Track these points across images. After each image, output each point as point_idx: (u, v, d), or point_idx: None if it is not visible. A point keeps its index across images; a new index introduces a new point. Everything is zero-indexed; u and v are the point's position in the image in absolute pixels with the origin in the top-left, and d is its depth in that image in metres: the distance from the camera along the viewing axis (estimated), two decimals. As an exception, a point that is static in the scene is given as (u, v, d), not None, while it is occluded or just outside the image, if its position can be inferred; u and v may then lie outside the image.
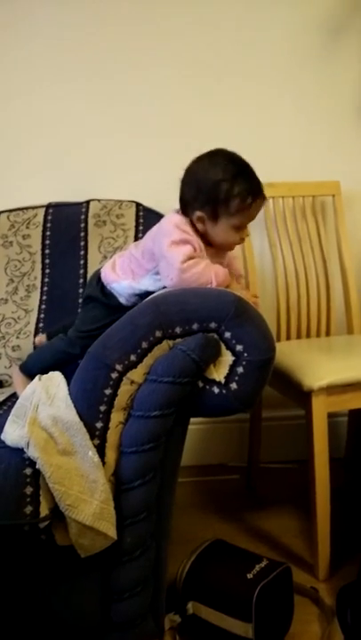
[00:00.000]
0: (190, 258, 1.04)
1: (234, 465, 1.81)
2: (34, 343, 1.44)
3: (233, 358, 0.91)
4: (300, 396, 1.22)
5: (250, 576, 1.03)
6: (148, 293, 1.12)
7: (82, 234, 1.54)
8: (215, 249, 1.14)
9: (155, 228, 1.14)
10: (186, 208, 1.12)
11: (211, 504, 1.60)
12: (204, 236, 1.11)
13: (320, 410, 1.19)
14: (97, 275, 1.24)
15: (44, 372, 1.04)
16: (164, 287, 1.09)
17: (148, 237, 1.15)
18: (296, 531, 1.43)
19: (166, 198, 1.64)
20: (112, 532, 0.88)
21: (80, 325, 1.23)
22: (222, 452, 1.83)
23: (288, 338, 1.60)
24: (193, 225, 1.11)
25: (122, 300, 1.19)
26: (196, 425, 1.79)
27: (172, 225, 1.09)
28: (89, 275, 1.49)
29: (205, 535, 1.21)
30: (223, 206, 1.07)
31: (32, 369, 1.22)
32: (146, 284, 1.14)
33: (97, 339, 0.94)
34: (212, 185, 1.06)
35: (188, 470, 1.76)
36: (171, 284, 1.05)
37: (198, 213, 1.09)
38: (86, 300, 1.27)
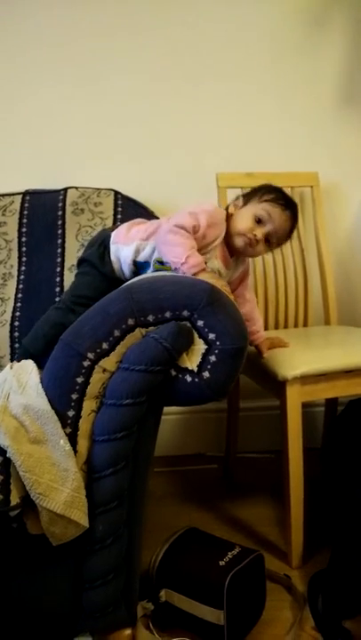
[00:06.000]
0: (185, 229, 1.09)
1: (212, 455, 1.82)
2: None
3: (205, 347, 0.90)
4: (275, 385, 1.23)
5: (222, 563, 1.04)
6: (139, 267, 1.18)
7: (59, 222, 1.53)
8: (234, 255, 1.22)
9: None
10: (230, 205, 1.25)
11: (188, 493, 1.61)
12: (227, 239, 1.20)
13: (294, 399, 1.20)
14: (101, 237, 1.25)
15: (50, 346, 1.04)
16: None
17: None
18: (272, 519, 1.44)
19: (145, 187, 1.65)
20: (84, 520, 0.88)
21: (75, 289, 1.25)
22: (200, 441, 1.84)
23: (266, 328, 1.61)
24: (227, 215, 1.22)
25: (116, 267, 1.21)
26: (174, 415, 1.80)
27: (209, 205, 1.17)
28: (66, 263, 1.48)
29: (182, 524, 1.22)
30: (258, 195, 1.20)
31: (33, 349, 1.22)
32: (150, 249, 1.17)
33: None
34: (267, 185, 1.23)
35: (167, 460, 1.76)
36: (157, 235, 1.13)
37: (237, 198, 1.23)
38: (82, 262, 1.27)
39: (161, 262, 1.15)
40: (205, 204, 1.18)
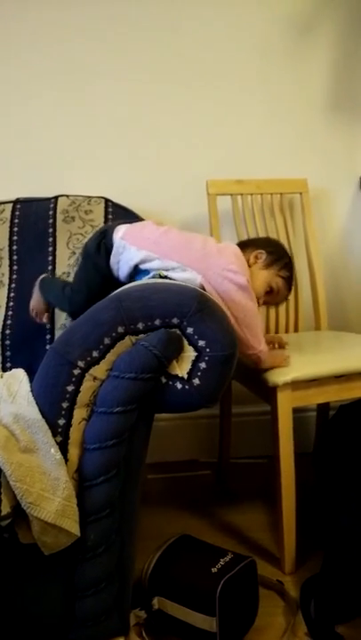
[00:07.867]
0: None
1: (205, 460, 1.82)
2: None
3: (195, 354, 0.91)
4: (265, 391, 1.23)
5: (214, 570, 1.04)
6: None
7: (50, 230, 1.53)
8: None
9: (213, 248, 1.17)
10: (248, 246, 1.30)
11: (182, 500, 1.61)
12: None
13: (285, 405, 1.21)
14: (104, 227, 1.26)
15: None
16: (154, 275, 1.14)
17: (202, 247, 1.16)
18: (265, 525, 1.44)
19: (135, 194, 1.66)
20: (75, 529, 0.88)
21: (73, 283, 1.29)
22: (193, 447, 1.84)
23: (257, 334, 1.61)
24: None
25: (113, 264, 1.21)
26: (166, 421, 1.80)
27: (235, 256, 1.16)
28: (57, 271, 1.49)
29: (176, 531, 1.22)
30: (279, 265, 1.28)
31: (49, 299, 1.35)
32: (159, 264, 1.16)
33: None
34: (285, 252, 1.34)
35: (160, 466, 1.76)
36: (248, 315, 1.12)
37: (260, 251, 1.28)
38: (82, 253, 1.29)
39: (164, 277, 1.13)
40: (233, 249, 1.19)
